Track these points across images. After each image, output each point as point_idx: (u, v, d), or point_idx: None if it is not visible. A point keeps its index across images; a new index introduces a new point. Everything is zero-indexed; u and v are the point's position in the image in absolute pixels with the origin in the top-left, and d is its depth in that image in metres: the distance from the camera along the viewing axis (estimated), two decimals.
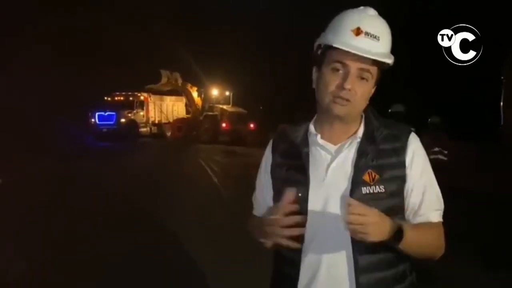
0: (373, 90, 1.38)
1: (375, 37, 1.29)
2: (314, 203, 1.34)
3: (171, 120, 26.52)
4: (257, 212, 1.56)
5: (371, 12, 1.34)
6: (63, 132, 16.97)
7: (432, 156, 6.51)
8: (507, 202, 7.33)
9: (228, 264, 4.76)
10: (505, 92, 18.08)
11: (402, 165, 1.33)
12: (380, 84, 1.39)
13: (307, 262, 1.35)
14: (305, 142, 1.40)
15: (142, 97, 24.36)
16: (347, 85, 1.28)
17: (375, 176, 1.31)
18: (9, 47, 16.82)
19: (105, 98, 23.77)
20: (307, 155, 1.38)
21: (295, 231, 1.30)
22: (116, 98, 24.05)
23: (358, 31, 1.28)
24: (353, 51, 1.26)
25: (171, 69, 24.79)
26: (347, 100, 1.30)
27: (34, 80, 16.80)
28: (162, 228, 6.06)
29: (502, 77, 17.75)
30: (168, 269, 4.64)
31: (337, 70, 1.31)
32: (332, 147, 1.38)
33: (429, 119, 6.93)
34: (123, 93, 24.25)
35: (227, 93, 25.03)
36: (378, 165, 1.32)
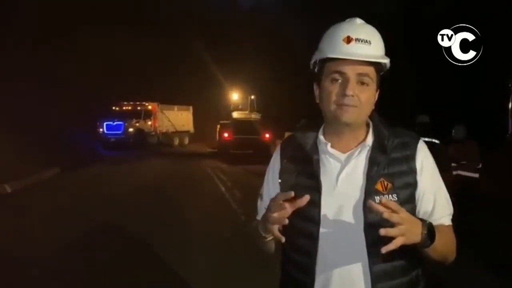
0: (376, 95, 1.41)
1: (366, 41, 1.33)
2: (326, 210, 1.34)
3: (178, 129, 26.45)
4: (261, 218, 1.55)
5: (358, 21, 1.38)
6: (71, 141, 17.10)
7: (461, 172, 6.22)
8: None
9: (236, 271, 4.78)
10: None
11: (413, 172, 1.35)
12: (386, 90, 1.42)
13: (319, 269, 1.35)
14: (315, 149, 1.42)
15: (150, 107, 24.45)
16: (349, 92, 1.31)
17: (387, 184, 1.33)
18: (20, 56, 16.99)
19: (113, 107, 23.92)
20: (317, 161, 1.39)
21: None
22: (124, 108, 24.17)
23: (348, 39, 1.32)
24: (347, 57, 1.30)
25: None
26: (353, 106, 1.32)
27: (44, 90, 16.95)
28: (170, 236, 6.09)
29: (510, 84, 17.63)
30: (176, 276, 4.66)
31: (336, 80, 1.34)
32: (341, 156, 1.39)
33: (454, 129, 6.50)
34: (131, 102, 24.39)
35: (252, 97, 21.25)
36: (390, 173, 1.34)
